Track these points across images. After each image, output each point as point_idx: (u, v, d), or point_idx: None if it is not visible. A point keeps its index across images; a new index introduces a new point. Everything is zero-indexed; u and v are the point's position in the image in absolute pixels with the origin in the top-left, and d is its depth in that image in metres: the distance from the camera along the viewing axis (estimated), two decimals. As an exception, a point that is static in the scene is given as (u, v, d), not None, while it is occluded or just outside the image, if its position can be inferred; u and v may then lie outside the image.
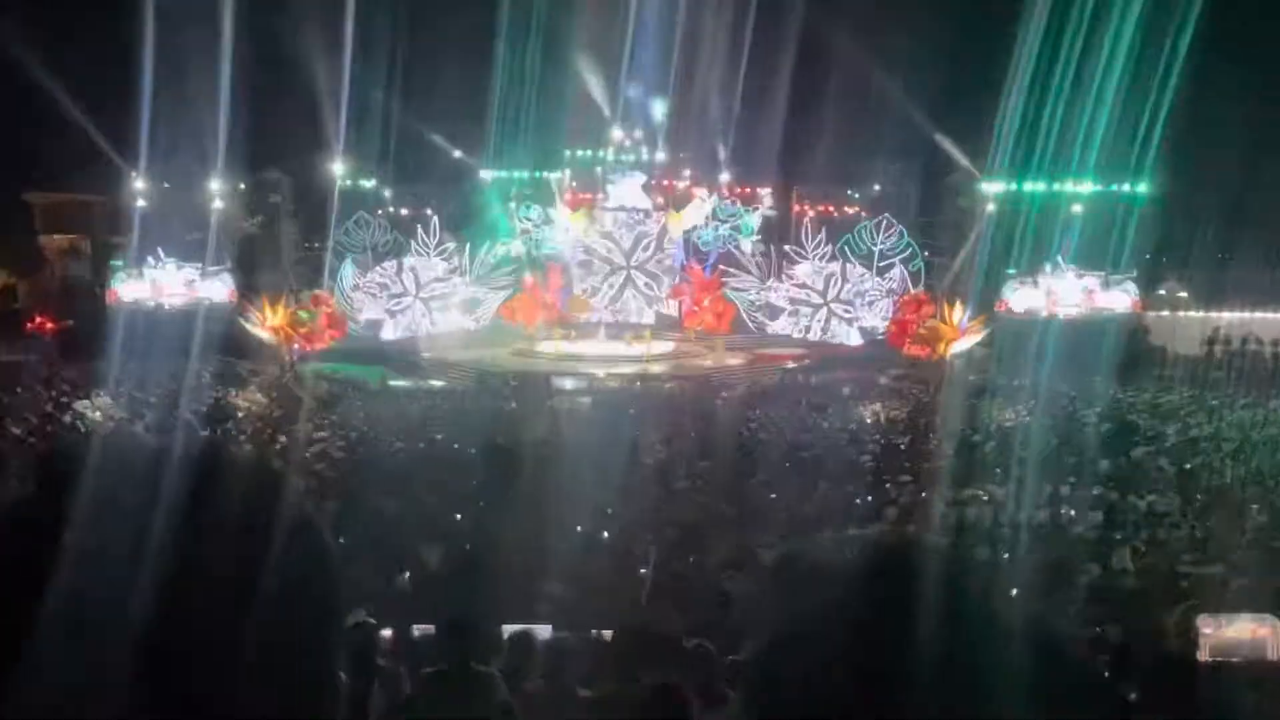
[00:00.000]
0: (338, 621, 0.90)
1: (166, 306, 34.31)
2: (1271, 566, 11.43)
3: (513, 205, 38.90)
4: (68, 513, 0.79)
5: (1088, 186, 35.43)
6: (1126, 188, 35.17)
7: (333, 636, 0.87)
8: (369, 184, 39.14)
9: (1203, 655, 4.64)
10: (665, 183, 39.84)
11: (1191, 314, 38.40)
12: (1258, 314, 36.91)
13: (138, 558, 0.77)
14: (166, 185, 36.06)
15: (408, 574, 10.70)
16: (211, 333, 31.94)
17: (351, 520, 12.31)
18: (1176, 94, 32.07)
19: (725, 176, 39.45)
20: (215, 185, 36.20)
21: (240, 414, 24.20)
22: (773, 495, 15.22)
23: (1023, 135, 34.91)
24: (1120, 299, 34.73)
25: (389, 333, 38.14)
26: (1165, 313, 38.38)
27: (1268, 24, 31.77)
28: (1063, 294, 34.71)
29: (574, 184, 39.52)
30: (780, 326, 38.61)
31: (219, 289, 35.44)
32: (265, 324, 34.81)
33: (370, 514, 12.89)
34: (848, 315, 38.14)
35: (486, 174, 39.82)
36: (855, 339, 37.72)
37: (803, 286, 38.56)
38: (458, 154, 39.51)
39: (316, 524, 0.85)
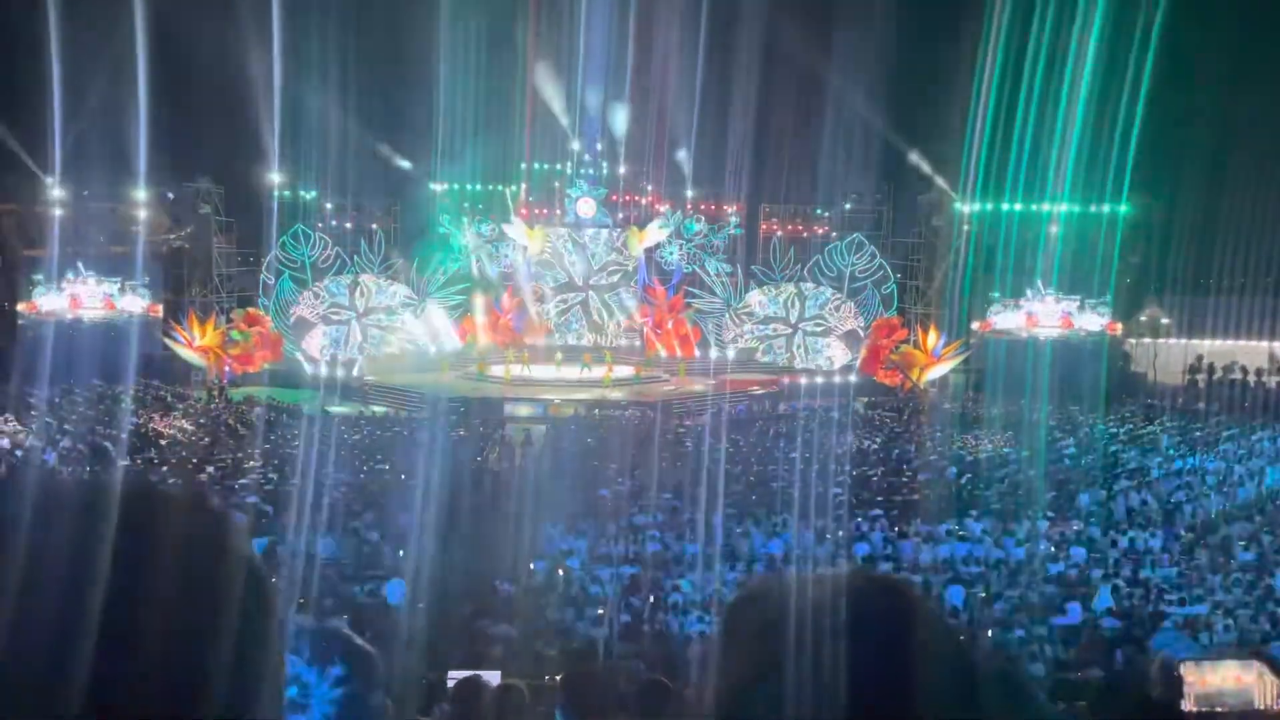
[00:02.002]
0: (277, 679, 0.82)
1: (85, 321, 33.69)
2: (1258, 606, 11.69)
3: (464, 221, 38.64)
4: None
5: (1065, 207, 36.25)
6: (1105, 209, 36.03)
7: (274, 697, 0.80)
8: (309, 195, 38.62)
9: (1187, 704, 4.71)
10: (626, 200, 39.88)
11: (1174, 341, 39.19)
12: (1242, 342, 37.78)
13: (46, 611, 0.70)
14: (85, 194, 35.40)
15: (345, 617, 10.55)
16: (133, 352, 31.29)
17: (284, 558, 12.14)
18: (1154, 113, 33.01)
19: (690, 193, 39.60)
20: (139, 194, 35.62)
21: (164, 442, 23.74)
22: (740, 530, 15.28)
23: (998, 153, 35.64)
24: (1095, 321, 35.96)
25: (313, 342, 37.42)
26: (1146, 339, 39.16)
27: (1247, 44, 32.80)
28: (1041, 316, 35.89)
29: (529, 198, 39.44)
30: (758, 356, 38.88)
31: (138, 304, 34.87)
32: (193, 344, 34.26)
33: (304, 552, 12.73)
34: (820, 329, 38.50)
35: (436, 186, 39.61)
36: (839, 360, 37.89)
37: (767, 320, 38.88)
38: (405, 165, 39.20)
39: (259, 569, 0.80)
